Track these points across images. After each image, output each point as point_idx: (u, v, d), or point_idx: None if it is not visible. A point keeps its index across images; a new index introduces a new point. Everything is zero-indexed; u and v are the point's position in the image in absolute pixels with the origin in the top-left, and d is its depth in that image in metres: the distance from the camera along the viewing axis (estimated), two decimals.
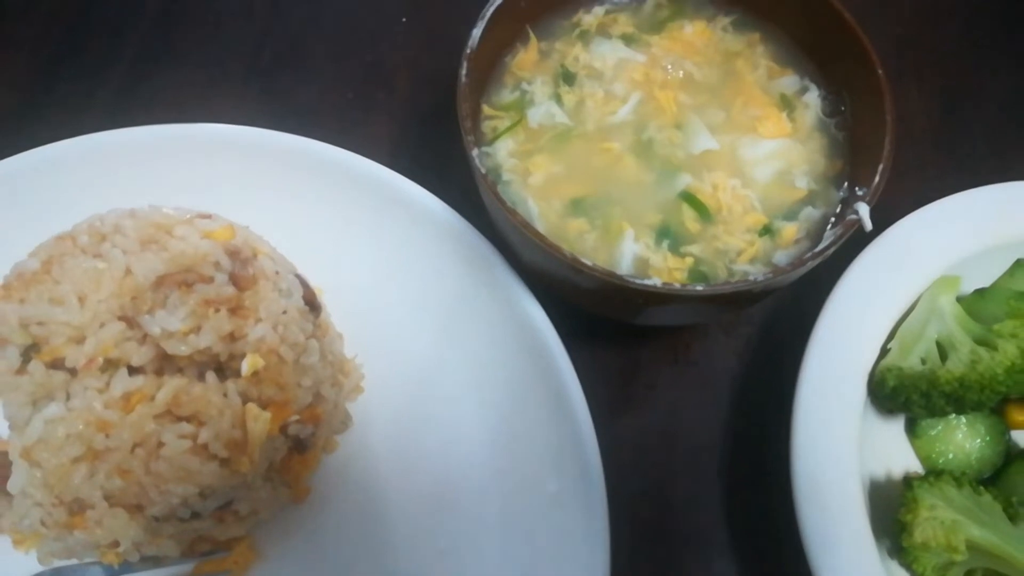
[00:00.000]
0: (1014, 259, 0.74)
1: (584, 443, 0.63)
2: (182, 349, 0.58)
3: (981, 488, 0.65)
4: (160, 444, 0.56)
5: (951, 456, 0.70)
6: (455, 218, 0.73)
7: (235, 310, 0.60)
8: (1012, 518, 0.63)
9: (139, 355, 0.59)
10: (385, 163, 0.76)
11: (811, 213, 0.70)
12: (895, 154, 0.65)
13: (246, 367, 0.59)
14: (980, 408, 0.67)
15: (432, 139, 0.87)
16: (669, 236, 0.68)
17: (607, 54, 0.77)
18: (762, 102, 0.76)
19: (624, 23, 0.80)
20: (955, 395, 0.65)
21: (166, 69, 0.94)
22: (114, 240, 0.62)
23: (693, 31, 0.80)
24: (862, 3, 0.71)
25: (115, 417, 0.56)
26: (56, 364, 0.59)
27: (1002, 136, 0.94)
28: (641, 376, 0.77)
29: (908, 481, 0.65)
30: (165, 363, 0.60)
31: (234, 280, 0.61)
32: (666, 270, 0.66)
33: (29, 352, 0.59)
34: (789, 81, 0.77)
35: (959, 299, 0.72)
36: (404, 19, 0.98)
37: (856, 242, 0.70)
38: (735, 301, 0.67)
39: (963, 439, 0.70)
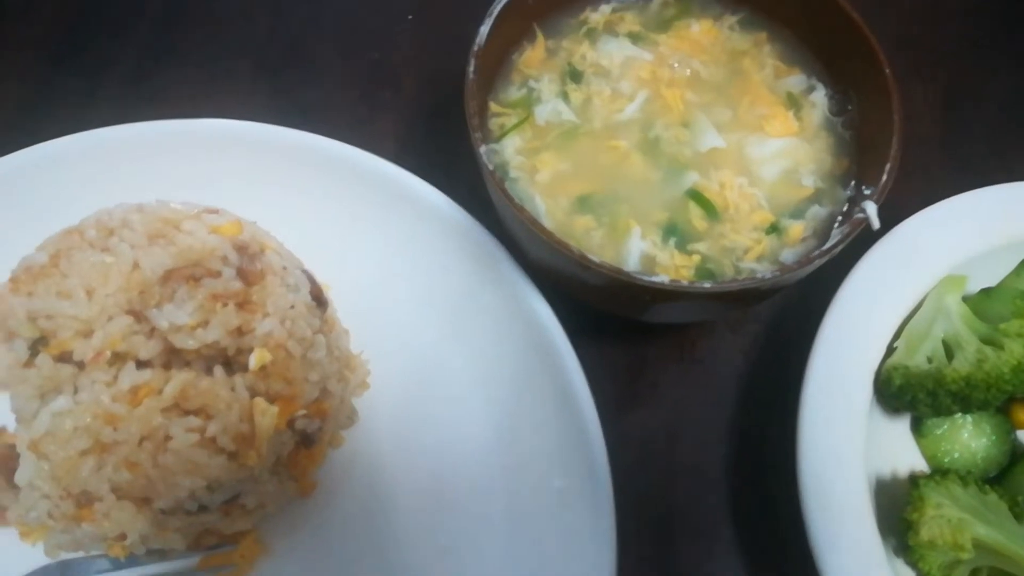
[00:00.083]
0: (1020, 259, 0.74)
1: (591, 440, 0.63)
2: (190, 343, 0.58)
3: (987, 487, 0.65)
4: (168, 437, 0.56)
5: (957, 455, 0.70)
6: (461, 215, 0.73)
7: (243, 305, 0.60)
8: (1018, 517, 0.63)
9: (146, 349, 0.59)
10: (391, 160, 0.76)
11: (818, 212, 0.70)
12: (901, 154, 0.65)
13: (254, 361, 0.59)
14: (986, 407, 0.67)
15: (438, 137, 0.87)
16: (676, 234, 0.68)
17: (614, 52, 0.78)
18: (769, 101, 0.76)
19: (631, 21, 0.80)
20: (961, 394, 0.65)
21: (169, 68, 0.94)
22: (121, 234, 0.63)
23: (700, 30, 0.80)
24: (863, 3, 0.71)
25: (123, 410, 0.56)
26: (64, 357, 0.59)
27: (1003, 137, 0.95)
28: (647, 373, 0.77)
29: (914, 480, 0.65)
30: (172, 357, 0.60)
31: (242, 275, 0.61)
32: (673, 267, 0.66)
33: (37, 345, 0.59)
34: (796, 80, 0.77)
35: (965, 299, 0.72)
36: (410, 16, 0.99)
37: (862, 241, 0.70)
38: (742, 298, 0.67)
39: (969, 438, 0.70)
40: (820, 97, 0.76)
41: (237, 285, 0.61)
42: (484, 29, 0.70)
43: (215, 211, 0.67)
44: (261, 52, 0.95)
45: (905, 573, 0.65)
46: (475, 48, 0.69)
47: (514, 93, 0.75)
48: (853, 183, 0.71)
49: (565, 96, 0.75)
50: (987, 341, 0.68)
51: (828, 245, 0.62)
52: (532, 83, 0.75)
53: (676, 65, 0.77)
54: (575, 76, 0.76)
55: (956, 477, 0.65)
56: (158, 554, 0.63)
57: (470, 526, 0.66)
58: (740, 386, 0.77)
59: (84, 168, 0.75)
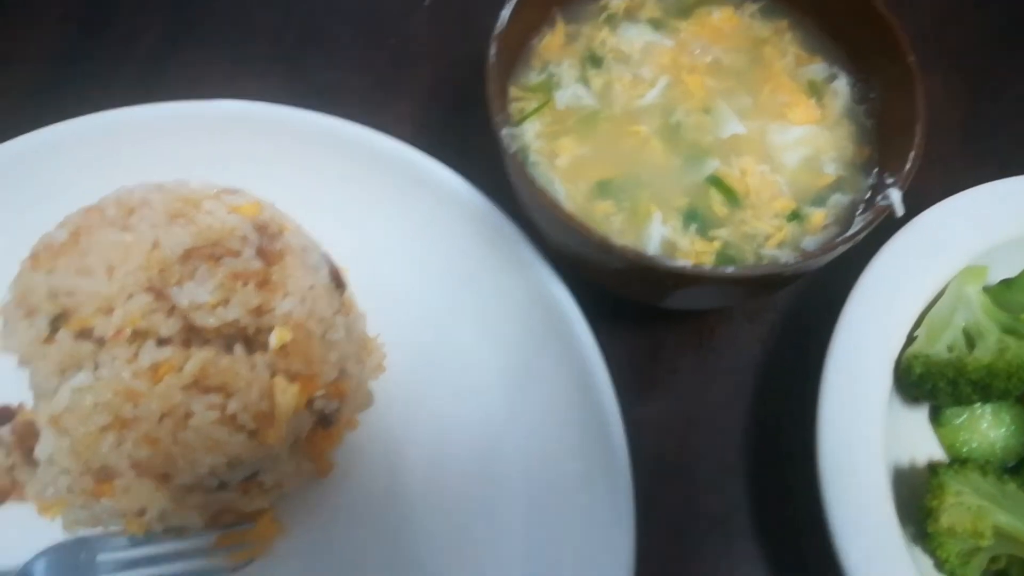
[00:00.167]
0: None
1: (609, 424, 0.63)
2: (210, 321, 0.58)
3: (1005, 476, 0.64)
4: (188, 414, 0.56)
5: (975, 445, 0.69)
6: (480, 198, 0.73)
7: (262, 284, 0.60)
8: None
9: (166, 327, 0.59)
10: (408, 144, 0.76)
11: (840, 199, 0.70)
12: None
13: (274, 340, 0.59)
14: (1006, 397, 0.66)
15: (456, 122, 0.87)
16: (697, 220, 0.68)
17: (634, 38, 0.77)
18: (790, 88, 0.75)
19: (651, 8, 0.79)
20: (982, 383, 0.65)
21: (186, 50, 0.94)
22: (142, 213, 0.63)
23: (721, 17, 0.79)
24: None
25: (143, 387, 0.56)
26: (84, 334, 0.59)
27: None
28: (664, 360, 0.77)
29: (933, 468, 0.65)
30: (192, 336, 0.60)
31: (262, 254, 0.61)
32: (693, 253, 0.66)
33: (57, 322, 0.59)
34: (817, 68, 0.76)
35: (985, 289, 0.72)
36: (426, 2, 0.98)
37: (880, 232, 0.70)
38: (763, 285, 0.67)
39: (988, 428, 0.70)
40: (842, 85, 0.75)
41: (257, 264, 0.61)
42: (505, 13, 0.69)
43: (234, 191, 0.67)
44: (278, 35, 0.95)
45: (923, 561, 0.65)
46: (496, 31, 0.69)
47: (534, 78, 0.75)
48: (875, 171, 0.70)
49: (585, 81, 0.74)
50: (1008, 331, 0.67)
51: (852, 232, 0.62)
52: (552, 68, 0.75)
53: (697, 52, 0.77)
54: (595, 61, 0.76)
55: (975, 466, 0.64)
56: (175, 532, 0.63)
57: (487, 509, 0.66)
58: (758, 374, 0.77)
59: (102, 148, 0.75)
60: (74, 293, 0.58)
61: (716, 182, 0.69)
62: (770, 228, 0.68)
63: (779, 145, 0.72)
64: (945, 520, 0.61)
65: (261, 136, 0.76)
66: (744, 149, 0.72)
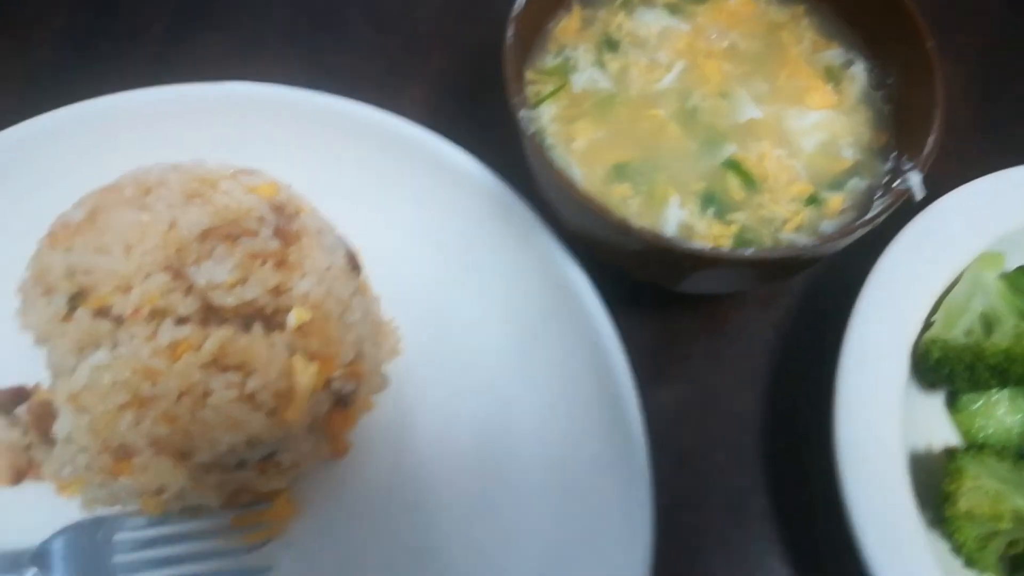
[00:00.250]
0: None
1: (626, 406, 0.63)
2: (228, 300, 0.58)
3: (1022, 462, 0.64)
4: (207, 393, 0.56)
5: (992, 431, 0.69)
6: (495, 181, 0.73)
7: (280, 264, 0.60)
8: None
9: (184, 306, 0.59)
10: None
11: (857, 184, 0.70)
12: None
13: (293, 319, 0.59)
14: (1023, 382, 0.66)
15: (470, 105, 0.86)
16: (714, 203, 0.68)
17: (651, 23, 0.77)
18: (807, 74, 0.75)
19: None
20: (1000, 368, 0.65)
21: (200, 35, 0.93)
22: (158, 193, 0.62)
23: (737, 2, 0.79)
24: None
25: (162, 365, 0.56)
26: (102, 313, 0.59)
27: None
28: (679, 345, 0.76)
29: (951, 453, 0.65)
30: (210, 315, 0.60)
31: (279, 234, 0.61)
32: (711, 237, 0.66)
33: (75, 300, 0.59)
34: (834, 54, 0.76)
35: (1002, 276, 0.72)
36: None
37: (897, 219, 0.69)
38: (781, 268, 0.66)
39: (1004, 414, 0.69)
40: (859, 71, 0.75)
41: (275, 244, 0.61)
42: None
43: (251, 172, 0.67)
44: (292, 20, 0.94)
45: (939, 546, 0.65)
46: (513, 14, 0.68)
47: (550, 61, 0.75)
48: (893, 156, 0.70)
49: (601, 65, 0.74)
50: None
51: (871, 215, 0.62)
52: (568, 52, 0.75)
53: (713, 37, 0.76)
54: (611, 46, 0.75)
55: (992, 451, 0.64)
56: (192, 512, 0.63)
57: (503, 492, 0.66)
58: (773, 359, 0.76)
59: (116, 129, 0.75)
60: (92, 271, 0.58)
61: (733, 166, 0.69)
62: (788, 212, 0.68)
63: (796, 130, 0.72)
64: (963, 504, 0.61)
65: (275, 119, 0.76)
66: (761, 134, 0.71)
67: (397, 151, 0.75)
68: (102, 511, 0.63)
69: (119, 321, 0.58)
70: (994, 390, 0.70)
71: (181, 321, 0.59)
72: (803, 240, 0.65)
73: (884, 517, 0.63)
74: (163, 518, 0.63)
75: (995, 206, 0.74)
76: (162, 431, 0.56)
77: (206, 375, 0.57)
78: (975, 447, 0.66)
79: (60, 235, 0.60)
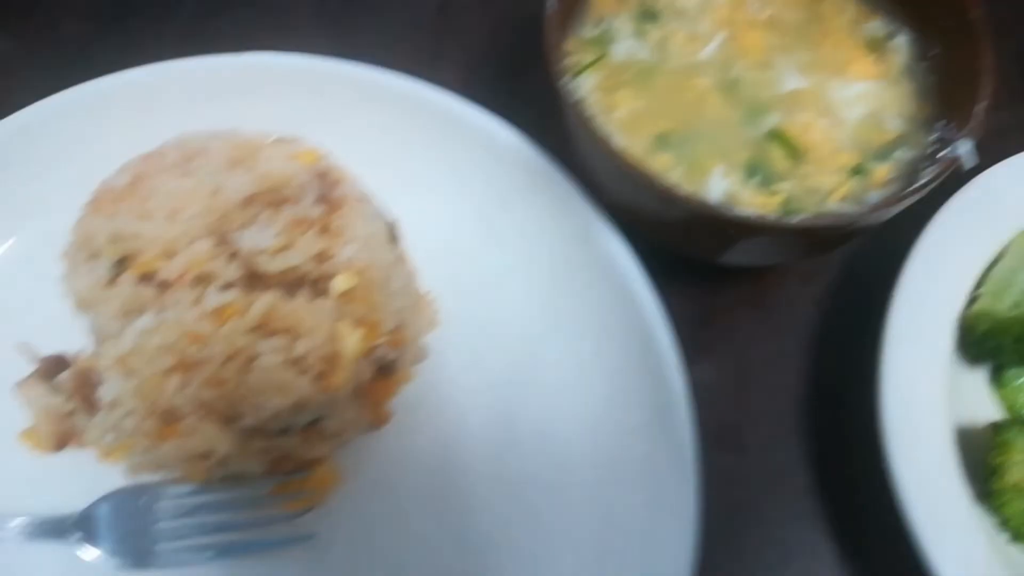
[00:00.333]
0: None
1: (669, 376, 0.62)
2: (273, 266, 0.58)
3: None
4: (253, 357, 0.56)
5: None
6: (533, 152, 0.72)
7: (324, 230, 0.60)
8: None
9: (228, 272, 0.59)
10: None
11: (903, 155, 0.69)
12: None
13: (339, 285, 0.58)
14: None
15: (507, 76, 0.86)
16: (759, 173, 0.67)
17: None
18: (849, 45, 0.74)
19: None
20: None
21: (232, 9, 0.93)
22: (201, 160, 0.62)
23: None
24: None
25: (208, 329, 0.56)
26: (146, 278, 0.59)
27: None
28: (719, 320, 0.76)
29: (997, 427, 0.64)
30: (254, 282, 0.60)
31: (322, 201, 0.61)
32: (756, 207, 0.65)
33: (119, 266, 0.59)
34: (877, 25, 0.75)
35: None
36: None
37: (939, 192, 0.68)
38: (828, 238, 0.66)
39: None
40: (902, 42, 0.74)
41: (318, 211, 0.60)
42: None
43: (292, 140, 0.67)
44: None
45: (985, 521, 0.64)
46: None
47: (589, 32, 0.74)
48: (939, 127, 0.69)
49: (641, 35, 0.73)
50: None
51: (921, 183, 0.61)
52: (607, 22, 0.74)
53: (754, 8, 0.76)
54: (651, 16, 0.75)
55: None
56: (234, 480, 0.63)
57: (542, 465, 0.65)
58: (814, 334, 0.76)
59: (152, 100, 0.74)
60: (136, 237, 0.58)
61: (777, 136, 0.68)
62: (833, 183, 0.67)
63: (839, 101, 0.71)
64: (1011, 477, 0.61)
65: (311, 90, 0.75)
66: (804, 104, 0.70)
67: (433, 122, 0.75)
68: (145, 478, 0.63)
69: (163, 287, 0.58)
70: None
71: (226, 287, 0.59)
72: (851, 208, 0.65)
73: (931, 491, 0.62)
74: (205, 486, 0.63)
75: None
76: (208, 395, 0.56)
77: (252, 339, 0.57)
78: (1020, 421, 0.66)
79: (104, 201, 0.60)
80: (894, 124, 0.70)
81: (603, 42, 0.73)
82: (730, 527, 0.69)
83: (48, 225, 0.68)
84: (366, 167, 0.74)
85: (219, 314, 0.57)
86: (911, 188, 0.61)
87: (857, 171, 0.68)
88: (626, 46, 0.73)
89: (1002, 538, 0.63)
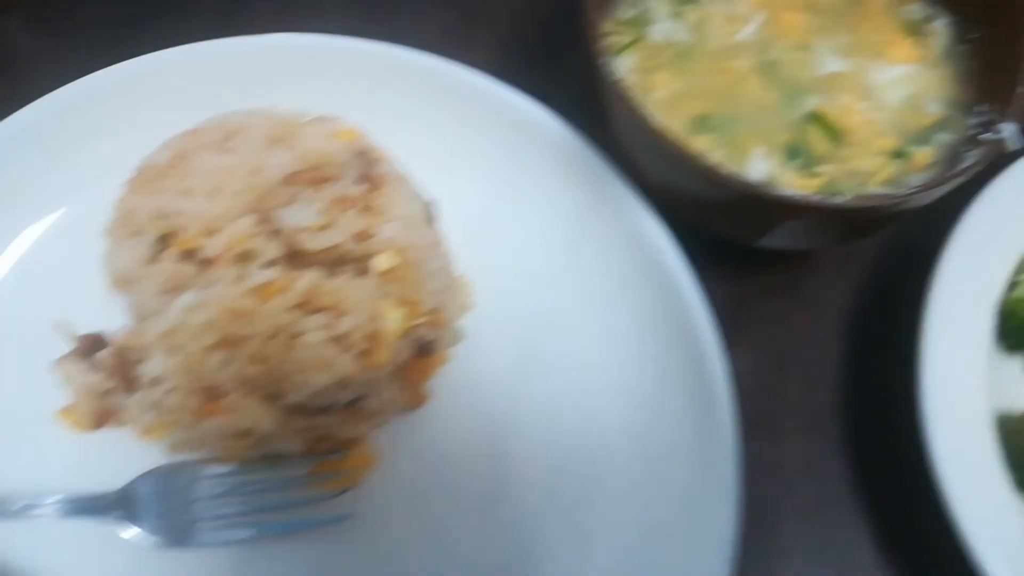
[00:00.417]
0: None
1: (711, 362, 0.62)
2: (315, 244, 0.58)
3: None
4: (297, 334, 0.56)
5: None
6: (569, 132, 0.71)
7: (366, 209, 0.60)
8: None
9: (270, 250, 0.59)
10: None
11: (943, 138, 0.68)
12: None
13: (381, 263, 0.58)
14: None
15: (540, 56, 0.85)
16: (800, 156, 0.66)
17: None
18: (888, 28, 0.74)
19: None
20: None
21: None
22: (242, 137, 0.62)
23: None
24: None
25: (252, 306, 0.56)
26: (188, 256, 0.59)
27: None
28: (752, 305, 0.75)
29: None
30: (295, 260, 0.60)
31: (364, 180, 0.61)
32: (796, 189, 0.65)
33: (162, 243, 0.59)
34: (915, 8, 0.74)
35: None
36: None
37: (977, 178, 0.68)
38: (870, 220, 0.65)
39: None
40: (941, 26, 0.73)
41: (360, 190, 0.60)
42: None
43: (330, 119, 0.66)
44: None
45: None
46: None
47: (626, 12, 0.73)
48: (981, 111, 0.68)
49: (679, 16, 0.73)
50: None
51: (965, 164, 0.60)
52: (645, 3, 0.74)
53: None
54: None
55: None
56: (270, 460, 0.63)
57: (581, 447, 0.65)
58: (850, 321, 0.75)
59: (186, 81, 0.73)
60: (179, 214, 0.58)
61: (817, 119, 0.68)
62: (873, 166, 0.67)
63: (879, 84, 0.71)
64: None
65: (343, 70, 0.74)
66: (844, 87, 0.70)
67: (466, 102, 0.74)
68: (183, 457, 0.63)
69: (205, 264, 0.58)
70: None
71: (268, 264, 0.58)
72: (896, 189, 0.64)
73: (971, 478, 0.62)
74: (243, 467, 0.63)
75: None
76: (252, 371, 0.56)
77: (296, 317, 0.57)
78: None
79: (146, 178, 0.60)
80: (934, 108, 0.70)
81: (640, 23, 0.73)
82: (764, 513, 0.68)
83: (82, 206, 0.68)
84: (399, 148, 0.73)
85: (262, 291, 0.57)
86: (957, 170, 0.60)
87: (898, 154, 0.67)
88: (663, 27, 0.72)
89: None
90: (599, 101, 0.68)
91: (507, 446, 0.66)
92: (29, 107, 0.69)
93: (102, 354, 0.64)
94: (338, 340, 0.57)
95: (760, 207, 0.61)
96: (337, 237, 0.58)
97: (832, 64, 0.71)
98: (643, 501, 0.63)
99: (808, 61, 0.71)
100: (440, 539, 0.64)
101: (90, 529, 0.62)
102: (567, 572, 0.62)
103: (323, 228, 0.58)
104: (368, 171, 0.61)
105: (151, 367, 0.57)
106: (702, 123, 0.68)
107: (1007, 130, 0.62)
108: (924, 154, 0.67)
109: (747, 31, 0.72)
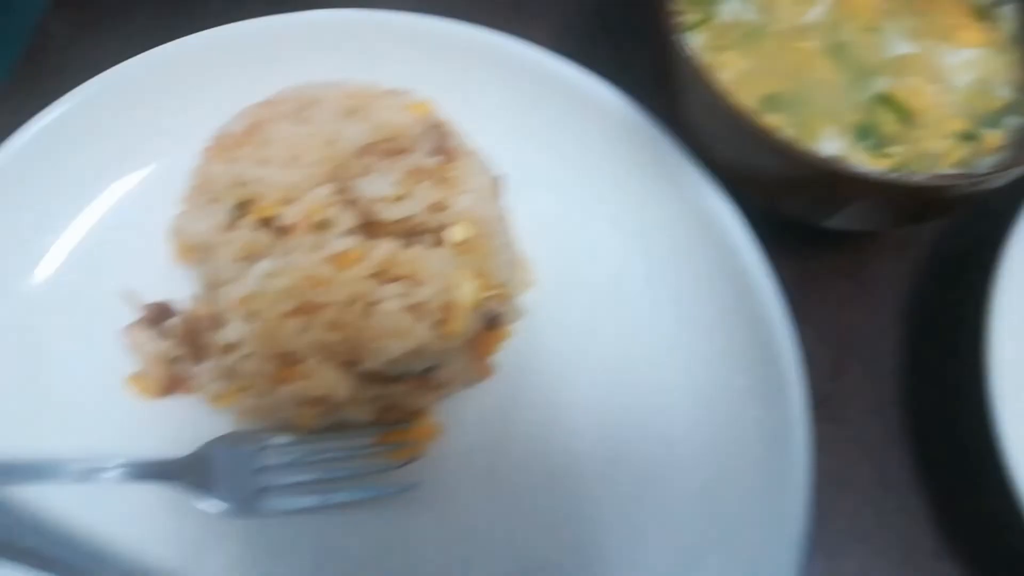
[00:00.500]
0: None
1: (780, 341, 0.62)
2: (391, 214, 0.58)
3: None
4: (374, 302, 0.56)
5: None
6: (633, 110, 0.71)
7: (440, 181, 0.60)
8: None
9: (346, 219, 0.59)
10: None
11: (1013, 122, 0.68)
12: None
13: (456, 234, 0.58)
14: None
15: (600, 42, 0.85)
16: (870, 136, 0.66)
17: None
18: (957, 12, 0.73)
19: None
20: None
21: None
22: (316, 108, 0.62)
23: None
24: None
25: (330, 273, 0.56)
26: (265, 223, 0.59)
27: None
28: (814, 290, 0.75)
29: None
30: (371, 230, 0.60)
31: (438, 152, 0.61)
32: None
33: (239, 210, 0.60)
34: None
35: None
36: None
37: None
38: (944, 200, 0.64)
39: None
40: (1009, 11, 0.73)
41: (434, 161, 0.60)
42: None
43: (403, 91, 0.66)
44: None
45: None
46: None
47: None
48: None
49: None
50: None
51: None
52: None
53: None
54: None
55: None
56: (337, 429, 0.63)
57: (646, 425, 0.65)
58: (912, 304, 0.75)
59: (255, 53, 0.73)
60: (257, 182, 0.59)
61: (887, 100, 0.68)
62: (944, 148, 0.66)
63: (948, 66, 0.70)
64: None
65: (411, 46, 0.74)
66: (913, 69, 0.70)
67: (530, 80, 0.74)
68: (250, 425, 0.63)
69: (282, 232, 0.59)
70: None
71: (344, 233, 0.59)
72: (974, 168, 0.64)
73: None
74: (310, 437, 0.63)
75: None
76: (329, 338, 0.56)
77: (373, 285, 0.57)
78: None
79: (223, 147, 0.60)
80: (1004, 92, 0.69)
81: (709, 2, 0.73)
82: (824, 493, 0.68)
83: (152, 176, 0.68)
84: (465, 123, 0.73)
85: (340, 259, 0.57)
86: None
87: (968, 137, 0.67)
88: (732, 7, 0.72)
89: None
90: (666, 80, 0.68)
91: (570, 419, 0.66)
92: (106, 73, 0.69)
93: (171, 322, 0.64)
94: (414, 309, 0.57)
95: (834, 185, 0.61)
96: (413, 208, 0.58)
97: (901, 46, 0.70)
98: (711, 479, 0.63)
99: (877, 43, 0.71)
100: (501, 511, 0.64)
101: (156, 494, 0.63)
102: (626, 564, 0.62)
103: (399, 199, 0.59)
104: (441, 143, 0.61)
105: (227, 332, 0.58)
106: (771, 102, 0.68)
107: None
108: (994, 136, 0.67)
109: (816, 12, 0.72)
